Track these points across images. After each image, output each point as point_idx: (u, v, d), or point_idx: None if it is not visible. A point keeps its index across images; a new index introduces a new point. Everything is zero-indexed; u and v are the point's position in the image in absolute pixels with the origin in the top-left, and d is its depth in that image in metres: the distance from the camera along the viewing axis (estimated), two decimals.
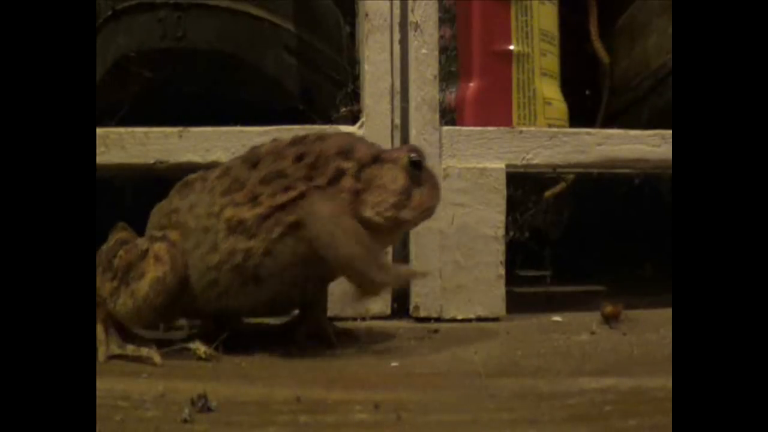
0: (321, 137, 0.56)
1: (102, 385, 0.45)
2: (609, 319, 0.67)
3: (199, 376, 0.50)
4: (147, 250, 0.55)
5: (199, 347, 0.54)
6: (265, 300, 0.56)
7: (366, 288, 0.53)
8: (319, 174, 0.55)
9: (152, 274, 0.54)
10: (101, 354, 0.54)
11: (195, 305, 0.56)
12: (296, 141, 0.57)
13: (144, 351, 0.54)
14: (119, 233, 0.58)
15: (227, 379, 0.49)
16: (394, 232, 0.58)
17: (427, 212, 0.58)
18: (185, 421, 0.40)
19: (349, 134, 0.60)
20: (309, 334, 0.60)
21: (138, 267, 0.54)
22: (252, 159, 0.56)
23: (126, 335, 0.55)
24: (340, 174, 0.55)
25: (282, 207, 0.54)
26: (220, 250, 0.54)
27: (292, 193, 0.54)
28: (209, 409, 0.42)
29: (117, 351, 0.54)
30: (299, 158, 0.55)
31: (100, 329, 0.55)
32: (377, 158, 0.56)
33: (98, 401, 0.41)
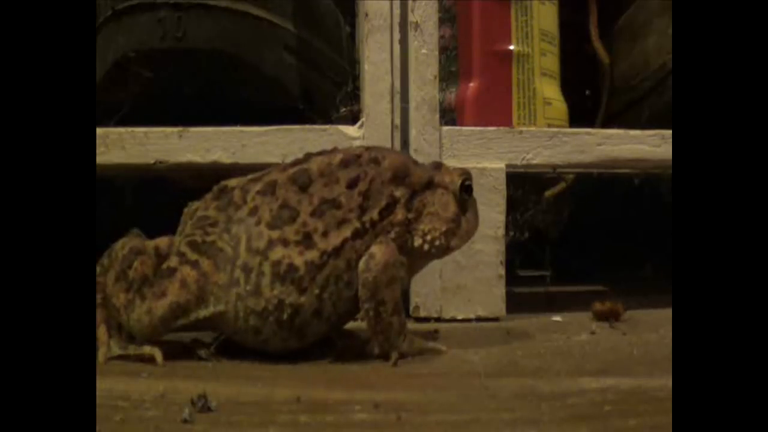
0: (375, 159, 0.56)
1: (102, 385, 0.45)
2: (603, 318, 0.67)
3: (199, 376, 0.50)
4: (175, 270, 0.53)
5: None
6: (301, 346, 0.55)
7: (381, 345, 0.54)
8: (371, 204, 0.54)
9: (174, 299, 0.53)
10: (101, 355, 0.54)
11: (217, 328, 0.56)
12: (349, 161, 0.55)
13: (146, 349, 0.53)
14: (132, 241, 0.56)
15: (227, 379, 0.49)
16: (439, 258, 0.59)
17: (470, 238, 0.59)
18: (185, 421, 0.40)
19: (402, 155, 0.60)
20: None
21: (159, 284, 0.53)
22: (302, 180, 0.55)
23: (128, 335, 0.55)
24: (392, 203, 0.55)
25: (335, 251, 0.53)
26: (266, 297, 0.52)
27: (346, 231, 0.53)
28: (209, 409, 0.42)
29: (118, 352, 0.54)
30: (352, 184, 0.55)
31: (102, 330, 0.55)
32: (430, 183, 0.56)
33: (98, 401, 0.41)
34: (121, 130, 0.69)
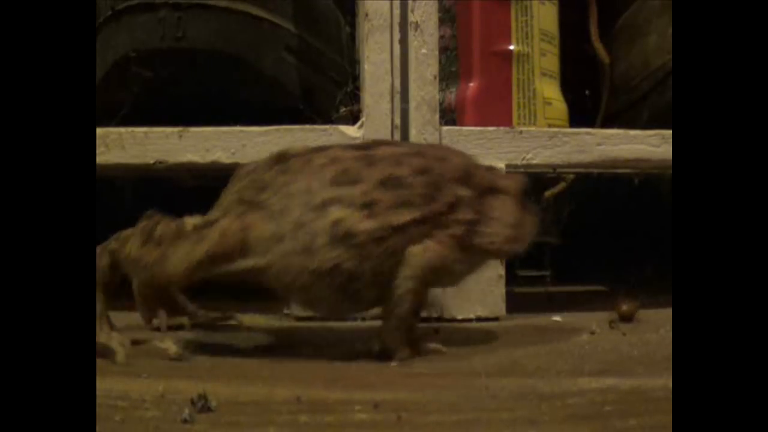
0: (442, 157, 0.55)
1: (102, 385, 0.45)
2: (625, 318, 0.67)
3: (199, 376, 0.50)
4: (215, 221, 0.52)
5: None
6: (351, 312, 0.54)
7: (387, 342, 0.53)
8: (437, 197, 0.53)
9: (213, 246, 0.51)
10: (122, 355, 0.52)
11: (259, 281, 0.53)
12: (417, 152, 0.55)
13: (114, 342, 0.51)
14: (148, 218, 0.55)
15: (227, 379, 0.49)
16: (499, 259, 0.59)
17: (529, 242, 0.58)
18: (185, 421, 0.40)
19: (466, 156, 0.59)
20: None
21: (197, 234, 0.51)
22: (367, 157, 0.53)
23: (111, 325, 0.54)
24: (457, 201, 0.54)
25: (398, 228, 0.51)
26: (320, 259, 0.50)
27: (409, 214, 0.52)
28: (209, 409, 0.42)
29: (102, 339, 0.52)
30: (420, 171, 0.53)
31: (105, 332, 0.54)
32: (493, 187, 0.56)
33: (98, 401, 0.41)
34: (121, 130, 0.69)
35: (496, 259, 0.57)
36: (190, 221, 0.54)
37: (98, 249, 0.55)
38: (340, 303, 0.53)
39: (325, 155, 0.54)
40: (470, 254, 0.55)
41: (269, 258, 0.51)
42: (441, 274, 0.53)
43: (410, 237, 0.52)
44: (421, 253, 0.52)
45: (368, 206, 0.51)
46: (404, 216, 0.52)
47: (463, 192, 0.54)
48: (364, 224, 0.51)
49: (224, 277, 0.53)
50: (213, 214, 0.53)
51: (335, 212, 0.51)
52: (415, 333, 0.54)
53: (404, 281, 0.51)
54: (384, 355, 0.54)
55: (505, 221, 0.55)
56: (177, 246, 0.52)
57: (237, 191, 0.54)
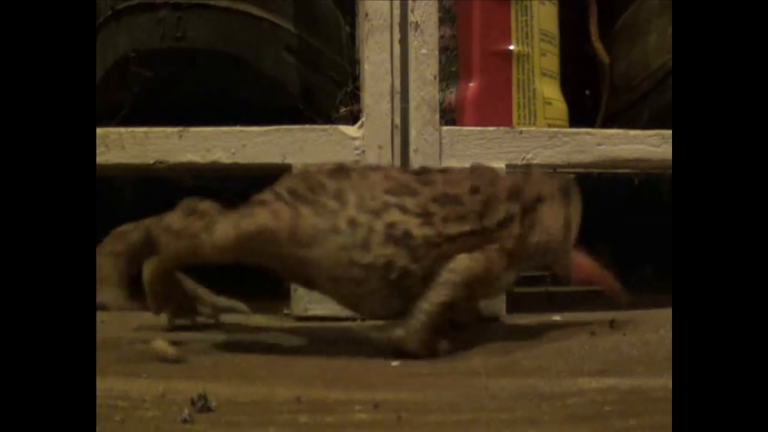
0: (493, 180, 0.57)
1: (102, 385, 0.45)
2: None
3: (199, 376, 0.50)
4: (267, 203, 0.52)
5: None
6: (396, 310, 0.54)
7: (409, 328, 0.53)
8: (489, 214, 0.55)
9: (264, 221, 0.51)
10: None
11: (306, 275, 0.54)
12: (468, 176, 0.56)
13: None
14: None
15: (227, 379, 0.49)
16: (547, 267, 0.61)
17: (572, 245, 0.60)
18: (185, 421, 0.40)
19: (515, 175, 0.61)
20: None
21: (247, 210, 0.52)
22: (422, 176, 0.55)
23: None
24: (508, 218, 0.56)
25: (452, 239, 0.53)
26: (374, 254, 0.52)
27: (464, 227, 0.54)
28: (209, 409, 0.42)
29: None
30: (474, 190, 0.55)
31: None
32: (539, 198, 0.57)
33: (98, 401, 0.41)
34: (121, 130, 0.69)
35: (546, 266, 0.59)
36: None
37: (126, 227, 0.56)
38: (389, 299, 0.54)
39: (382, 172, 0.56)
40: (519, 264, 0.57)
41: (321, 251, 0.52)
42: (485, 284, 0.55)
43: (461, 246, 0.54)
44: (468, 259, 0.53)
45: (423, 216, 0.53)
46: (457, 228, 0.54)
47: (513, 209, 0.56)
48: (420, 229, 0.53)
49: (266, 264, 0.53)
50: (263, 195, 0.53)
51: (392, 215, 0.53)
52: (434, 333, 0.54)
53: (446, 273, 0.53)
54: (395, 345, 0.54)
55: (554, 228, 0.57)
56: (226, 216, 0.52)
57: (289, 185, 0.54)
